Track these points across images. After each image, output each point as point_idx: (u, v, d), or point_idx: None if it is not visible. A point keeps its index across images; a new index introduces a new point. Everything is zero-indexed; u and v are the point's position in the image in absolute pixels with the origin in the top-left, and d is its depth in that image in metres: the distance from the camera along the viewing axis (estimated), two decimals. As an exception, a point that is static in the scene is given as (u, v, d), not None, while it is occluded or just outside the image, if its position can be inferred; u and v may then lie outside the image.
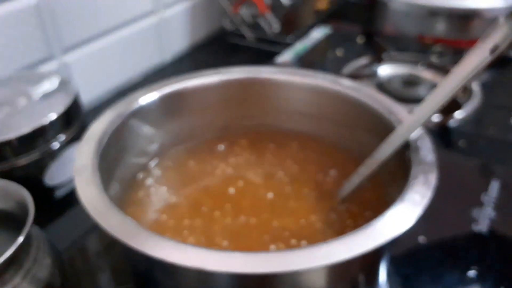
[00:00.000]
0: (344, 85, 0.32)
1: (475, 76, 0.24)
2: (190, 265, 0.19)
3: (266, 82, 0.33)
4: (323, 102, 0.33)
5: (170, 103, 0.32)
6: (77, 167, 0.24)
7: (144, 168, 0.32)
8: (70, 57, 0.61)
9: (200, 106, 0.34)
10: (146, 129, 0.31)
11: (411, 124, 0.26)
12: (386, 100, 0.30)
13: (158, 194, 0.31)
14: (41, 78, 0.49)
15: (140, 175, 0.32)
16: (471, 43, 0.69)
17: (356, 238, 0.20)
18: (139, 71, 0.72)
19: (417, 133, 0.26)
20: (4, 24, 0.52)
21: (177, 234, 0.27)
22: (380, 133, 0.29)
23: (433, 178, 0.23)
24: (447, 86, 0.25)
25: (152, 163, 0.33)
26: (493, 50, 0.24)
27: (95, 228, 0.42)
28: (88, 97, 0.61)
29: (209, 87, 0.33)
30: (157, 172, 0.32)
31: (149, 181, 0.32)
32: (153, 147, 0.33)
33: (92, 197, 0.22)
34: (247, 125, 0.35)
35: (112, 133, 0.27)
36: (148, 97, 0.31)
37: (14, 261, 0.27)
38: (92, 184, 0.23)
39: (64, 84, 0.48)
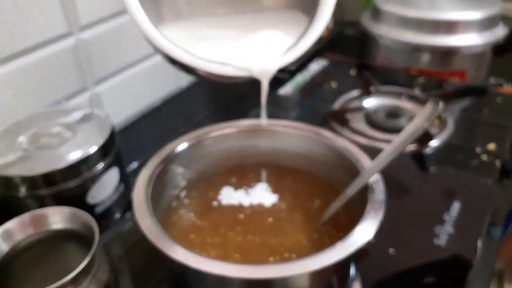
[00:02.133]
0: (325, 136, 0.42)
1: (411, 141, 0.34)
2: (215, 272, 0.29)
3: (268, 131, 0.43)
4: (311, 147, 0.44)
5: (196, 149, 0.43)
6: (136, 204, 0.34)
7: (177, 198, 0.43)
8: (101, 88, 0.72)
9: (218, 150, 0.44)
10: (179, 169, 0.42)
11: (371, 171, 0.36)
12: (353, 148, 0.40)
13: (187, 218, 0.41)
14: (81, 112, 0.57)
15: (174, 204, 0.42)
16: (451, 74, 0.80)
17: (324, 257, 0.30)
18: (159, 96, 0.83)
19: (374, 178, 0.36)
20: (47, 63, 0.62)
21: (202, 249, 0.37)
22: (352, 173, 0.39)
23: (380, 214, 0.33)
24: (394, 146, 0.35)
25: (182, 194, 0.43)
26: (425, 123, 0.34)
27: (128, 237, 0.51)
28: (116, 120, 0.71)
29: (224, 136, 0.44)
30: (186, 201, 0.43)
31: (180, 208, 0.42)
32: (183, 182, 0.43)
33: (148, 225, 0.32)
34: (253, 163, 0.45)
35: (156, 176, 0.38)
36: (180, 146, 0.41)
37: (84, 270, 0.36)
38: (147, 215, 0.33)
39: (102, 118, 0.56)
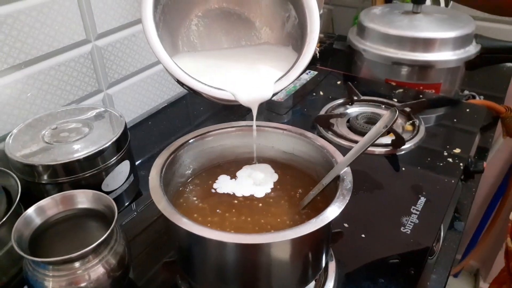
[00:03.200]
0: (307, 136, 0.51)
1: (375, 141, 0.42)
2: (215, 238, 0.37)
3: (261, 131, 0.52)
4: (296, 145, 0.52)
5: (200, 144, 0.51)
6: (152, 187, 0.42)
7: (183, 184, 0.51)
8: (113, 90, 0.80)
9: (218, 146, 0.53)
10: (185, 161, 0.50)
11: (342, 165, 0.45)
12: (330, 146, 0.48)
13: (191, 201, 0.49)
14: (97, 110, 0.65)
15: (181, 189, 0.50)
16: (428, 87, 0.89)
17: (300, 229, 0.38)
18: (164, 99, 0.91)
19: (345, 170, 0.44)
20: (67, 66, 0.70)
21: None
22: (328, 167, 0.48)
23: (347, 198, 0.41)
24: (361, 145, 0.43)
25: (188, 181, 0.52)
26: (385, 127, 0.42)
27: (139, 219, 0.58)
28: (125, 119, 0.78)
29: (224, 134, 0.52)
30: (190, 187, 0.51)
31: (186, 192, 0.50)
32: (188, 171, 0.51)
33: (163, 205, 0.40)
34: (247, 157, 0.53)
35: (167, 165, 0.46)
36: (187, 141, 0.50)
37: (104, 242, 0.44)
38: (161, 197, 0.41)
39: (115, 116, 0.64)
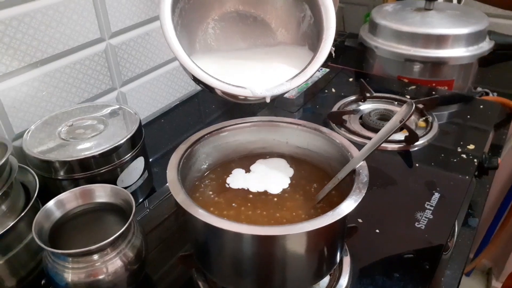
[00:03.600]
0: (322, 131, 0.51)
1: (391, 135, 0.42)
2: (233, 230, 0.38)
3: (275, 125, 0.52)
4: (311, 140, 0.52)
5: (215, 139, 0.51)
6: (170, 180, 0.43)
7: (199, 179, 0.52)
8: (126, 88, 0.80)
9: (233, 141, 0.53)
10: (201, 155, 0.50)
11: (357, 159, 0.45)
12: (345, 141, 0.49)
13: (207, 195, 0.50)
14: (112, 108, 0.66)
15: (197, 183, 0.51)
16: (440, 83, 0.89)
17: (316, 221, 0.38)
18: (176, 97, 0.91)
19: (360, 164, 0.45)
20: (82, 65, 0.71)
21: (220, 219, 0.46)
22: (343, 162, 0.48)
23: (364, 192, 0.41)
24: (377, 139, 0.43)
25: (204, 176, 0.52)
26: (401, 121, 0.42)
27: (154, 214, 0.59)
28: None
29: (238, 129, 0.53)
30: (206, 181, 0.52)
31: (202, 187, 0.51)
32: (204, 166, 0.52)
33: (181, 197, 0.41)
34: (262, 152, 0.54)
35: (184, 159, 0.46)
36: (203, 135, 0.50)
37: (122, 235, 0.45)
38: (179, 190, 0.41)
39: (130, 114, 0.64)
